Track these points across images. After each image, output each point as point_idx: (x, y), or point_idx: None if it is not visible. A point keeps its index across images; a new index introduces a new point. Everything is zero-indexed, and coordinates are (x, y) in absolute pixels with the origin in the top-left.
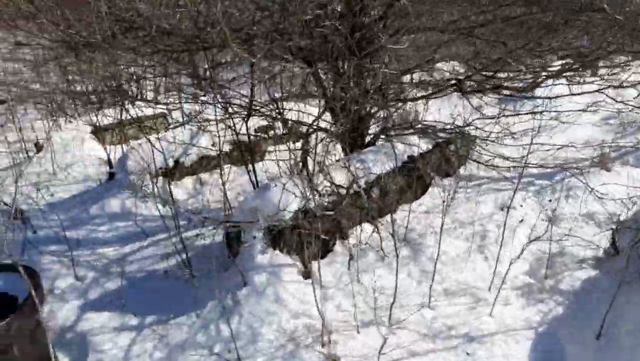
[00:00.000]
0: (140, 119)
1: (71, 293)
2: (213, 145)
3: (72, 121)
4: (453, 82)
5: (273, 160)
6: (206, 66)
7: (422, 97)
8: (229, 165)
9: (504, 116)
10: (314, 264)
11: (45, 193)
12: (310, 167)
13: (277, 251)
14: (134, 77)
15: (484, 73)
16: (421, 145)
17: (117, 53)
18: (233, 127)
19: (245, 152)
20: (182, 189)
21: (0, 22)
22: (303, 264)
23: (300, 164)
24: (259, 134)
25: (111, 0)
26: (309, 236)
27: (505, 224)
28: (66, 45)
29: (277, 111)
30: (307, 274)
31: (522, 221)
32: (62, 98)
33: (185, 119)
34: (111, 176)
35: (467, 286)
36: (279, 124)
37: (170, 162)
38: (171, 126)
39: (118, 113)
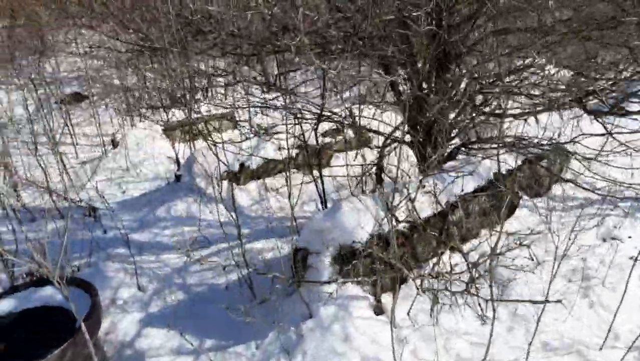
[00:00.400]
0: (207, 118)
1: (133, 304)
2: (279, 149)
3: (145, 119)
4: (570, 96)
5: (341, 166)
6: (276, 71)
7: (529, 113)
8: (294, 170)
9: (618, 133)
10: (387, 298)
11: (118, 190)
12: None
13: (347, 280)
14: (206, 78)
15: (600, 84)
16: (508, 160)
17: (188, 56)
18: (302, 135)
19: (312, 159)
20: (246, 194)
21: (77, 22)
22: (375, 298)
23: (374, 179)
24: (325, 139)
25: (181, 2)
26: (382, 265)
27: (612, 261)
28: (137, 49)
29: (351, 119)
30: (379, 309)
31: (635, 259)
32: (138, 96)
33: (254, 129)
34: (178, 178)
35: (571, 340)
36: (348, 130)
37: (236, 166)
38: (241, 139)
39: (187, 112)
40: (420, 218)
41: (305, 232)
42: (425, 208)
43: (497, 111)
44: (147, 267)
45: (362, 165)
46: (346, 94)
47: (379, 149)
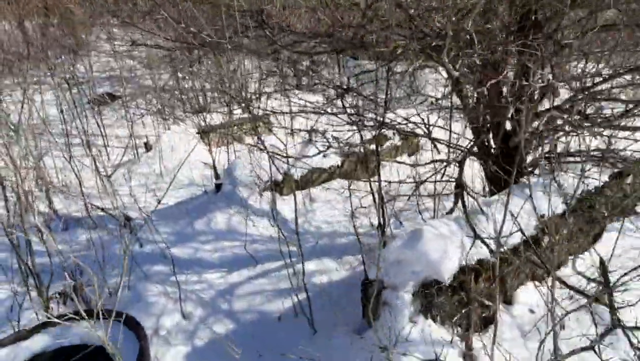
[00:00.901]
0: (238, 121)
1: (177, 334)
2: (324, 157)
3: (180, 121)
4: None
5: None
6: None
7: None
8: (340, 179)
9: None
10: (476, 340)
11: (152, 198)
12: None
13: (430, 320)
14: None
15: None
16: (594, 176)
17: (260, 53)
18: (362, 143)
19: (363, 166)
20: (290, 205)
21: (118, 18)
22: (465, 343)
23: (453, 199)
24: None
25: None
26: (471, 302)
27: None
28: (185, 46)
29: (426, 128)
30: (470, 357)
31: None
32: (170, 95)
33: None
34: (217, 187)
35: None
36: (395, 135)
37: (279, 175)
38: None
39: (224, 114)
40: (505, 244)
41: (380, 262)
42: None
43: (596, 119)
44: (190, 289)
45: (434, 180)
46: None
47: (457, 164)
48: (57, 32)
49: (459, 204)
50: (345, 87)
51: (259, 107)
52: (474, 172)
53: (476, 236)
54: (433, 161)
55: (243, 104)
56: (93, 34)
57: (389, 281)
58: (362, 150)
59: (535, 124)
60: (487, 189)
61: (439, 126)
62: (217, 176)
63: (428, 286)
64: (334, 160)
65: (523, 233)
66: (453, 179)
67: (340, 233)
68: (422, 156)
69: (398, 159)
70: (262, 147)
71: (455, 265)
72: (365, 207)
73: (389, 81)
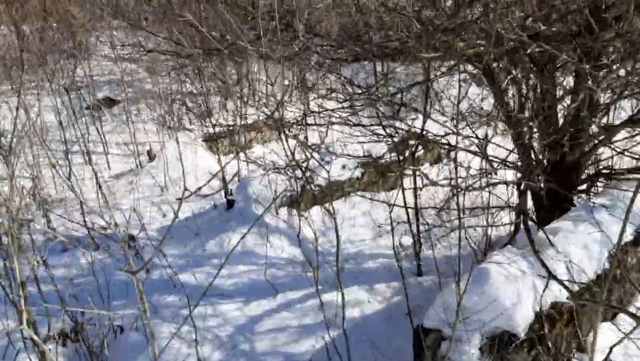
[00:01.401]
0: (245, 126)
1: None
2: (343, 167)
3: (184, 129)
4: None
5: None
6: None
7: None
8: (360, 193)
9: None
10: None
11: (158, 213)
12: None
13: None
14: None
15: None
16: None
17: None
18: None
19: (384, 177)
20: (307, 223)
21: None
22: None
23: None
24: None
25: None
26: (547, 354)
27: None
28: (203, 53)
29: (481, 145)
30: None
31: None
32: (172, 100)
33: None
34: (230, 203)
35: None
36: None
37: (298, 189)
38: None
39: (231, 120)
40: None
41: (438, 307)
42: (585, 265)
43: None
44: (205, 326)
45: (484, 206)
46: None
47: (517, 188)
48: (56, 35)
49: (519, 235)
50: (388, 99)
51: (281, 118)
52: (510, 189)
53: (551, 276)
54: (488, 184)
55: (269, 112)
56: (93, 38)
57: (448, 331)
58: (386, 160)
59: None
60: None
61: (495, 143)
62: (225, 187)
63: (500, 339)
64: (353, 171)
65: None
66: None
67: (365, 255)
68: (448, 167)
69: (422, 169)
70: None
71: (530, 313)
72: (393, 223)
73: (428, 89)
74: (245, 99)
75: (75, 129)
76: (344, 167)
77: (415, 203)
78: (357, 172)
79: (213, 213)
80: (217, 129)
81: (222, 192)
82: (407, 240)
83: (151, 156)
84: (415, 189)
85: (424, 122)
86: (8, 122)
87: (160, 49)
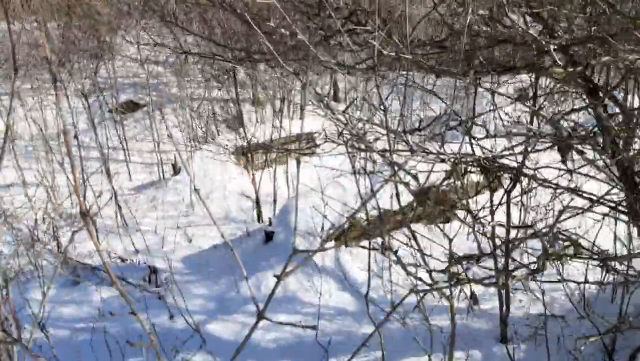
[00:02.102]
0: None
1: None
2: (396, 195)
3: (212, 140)
4: None
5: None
6: None
7: None
8: (414, 224)
9: None
10: None
11: (182, 237)
12: None
13: None
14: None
15: None
16: None
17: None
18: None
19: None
20: (359, 260)
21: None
22: None
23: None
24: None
25: None
26: None
27: None
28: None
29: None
30: None
31: None
32: (197, 106)
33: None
34: (268, 236)
35: None
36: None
37: (345, 220)
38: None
39: (263, 131)
40: None
41: None
42: None
43: None
44: None
45: (589, 255)
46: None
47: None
48: (79, 34)
49: None
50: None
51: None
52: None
53: None
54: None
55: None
56: (118, 37)
57: None
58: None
59: None
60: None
61: (583, 174)
62: (259, 211)
63: None
64: (407, 200)
65: None
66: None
67: (429, 306)
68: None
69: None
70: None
71: None
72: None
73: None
74: (282, 110)
75: (96, 134)
76: (397, 195)
77: (507, 247)
78: (413, 200)
79: (248, 244)
80: (254, 140)
81: (255, 214)
82: (479, 288)
83: (176, 169)
84: (508, 223)
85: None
86: (22, 126)
87: (198, 51)
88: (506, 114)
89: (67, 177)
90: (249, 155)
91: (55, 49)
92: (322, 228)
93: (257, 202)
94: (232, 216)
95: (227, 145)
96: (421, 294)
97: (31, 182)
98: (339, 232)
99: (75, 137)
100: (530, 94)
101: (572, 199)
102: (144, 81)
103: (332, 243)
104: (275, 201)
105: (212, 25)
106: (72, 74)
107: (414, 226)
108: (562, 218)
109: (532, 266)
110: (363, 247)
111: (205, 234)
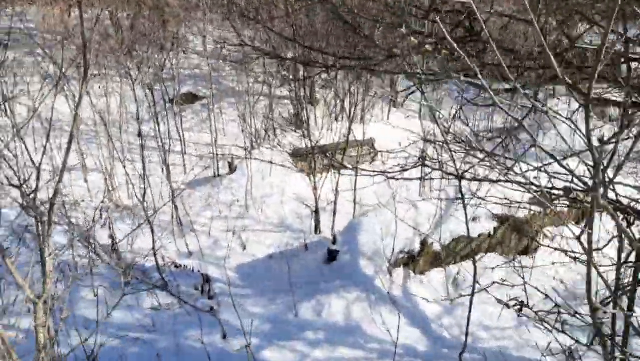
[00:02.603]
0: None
1: None
2: (474, 220)
3: (272, 137)
4: None
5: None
6: None
7: None
8: (490, 253)
9: None
10: None
11: (236, 242)
12: None
13: None
14: None
15: None
16: None
17: None
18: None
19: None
20: (429, 289)
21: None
22: None
23: None
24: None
25: None
26: None
27: None
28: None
29: None
30: None
31: None
32: (254, 102)
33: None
34: (331, 255)
35: None
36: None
37: (415, 244)
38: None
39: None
40: None
41: None
42: None
43: None
44: None
45: None
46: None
47: None
48: (147, 24)
49: None
50: None
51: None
52: None
53: None
54: None
55: None
56: (183, 29)
57: None
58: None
59: None
60: None
61: None
62: (317, 221)
63: None
64: (484, 226)
65: None
66: None
67: (513, 357)
68: None
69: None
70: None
71: None
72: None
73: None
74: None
75: (155, 123)
76: (474, 219)
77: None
78: (490, 226)
79: (307, 259)
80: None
81: (313, 223)
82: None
83: (232, 167)
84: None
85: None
86: (87, 112)
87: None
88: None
89: (124, 167)
90: (310, 158)
91: (125, 38)
92: (393, 251)
93: (317, 211)
94: (287, 222)
95: (285, 145)
96: None
97: (91, 167)
98: (408, 257)
99: (139, 134)
100: None
101: None
102: (203, 73)
103: (400, 269)
104: (335, 212)
105: (299, 25)
106: (139, 64)
107: (488, 256)
108: None
109: None
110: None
111: (260, 240)
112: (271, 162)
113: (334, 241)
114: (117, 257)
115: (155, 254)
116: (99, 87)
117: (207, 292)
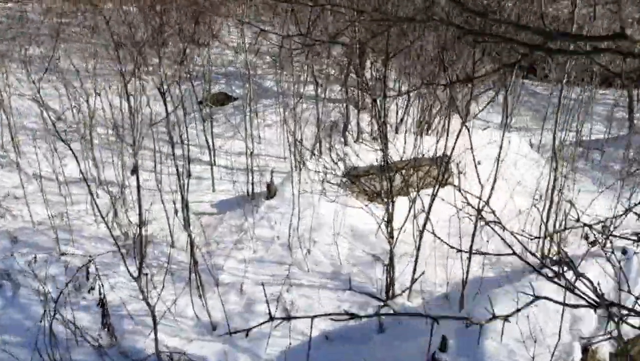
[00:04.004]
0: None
1: None
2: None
3: (320, 153)
4: None
5: None
6: None
7: None
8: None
9: None
10: None
11: (279, 308)
12: None
13: None
14: None
15: None
16: None
17: None
18: None
19: None
20: None
21: None
22: None
23: None
24: None
25: None
26: None
27: None
28: None
29: None
30: None
31: None
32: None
33: None
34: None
35: None
36: None
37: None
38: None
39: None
40: None
41: None
42: None
43: None
44: None
45: None
46: None
47: None
48: (178, 17)
49: None
50: None
51: None
52: None
53: None
54: None
55: None
56: (219, 23)
57: None
58: None
59: None
60: None
61: None
62: (391, 277)
63: None
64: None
65: None
66: None
67: None
68: None
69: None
70: None
71: None
72: None
73: None
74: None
75: (187, 126)
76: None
77: None
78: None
79: (388, 355)
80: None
81: (385, 279)
82: None
83: (271, 191)
84: None
85: None
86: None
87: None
88: None
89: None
90: (370, 180)
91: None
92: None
93: (391, 263)
94: (344, 272)
95: (336, 163)
96: None
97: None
98: None
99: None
100: None
101: None
102: (237, 72)
103: None
104: (417, 260)
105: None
106: (163, 60)
107: None
108: None
109: None
110: None
111: (310, 305)
112: (323, 190)
113: (442, 348)
114: (109, 341)
115: (159, 356)
116: (118, 86)
117: None
